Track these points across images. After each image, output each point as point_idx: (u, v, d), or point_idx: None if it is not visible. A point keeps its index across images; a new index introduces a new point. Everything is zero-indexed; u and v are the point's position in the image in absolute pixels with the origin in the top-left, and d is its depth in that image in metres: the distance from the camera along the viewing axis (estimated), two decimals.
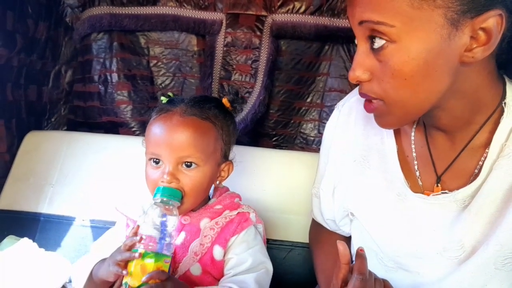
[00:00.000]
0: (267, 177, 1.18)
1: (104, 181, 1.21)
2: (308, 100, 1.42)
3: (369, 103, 0.64)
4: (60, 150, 1.27)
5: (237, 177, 1.02)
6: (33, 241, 1.10)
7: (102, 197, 1.19)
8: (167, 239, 0.70)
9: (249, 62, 1.34)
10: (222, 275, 0.79)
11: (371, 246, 0.77)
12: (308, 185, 0.95)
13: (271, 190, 1.16)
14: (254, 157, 1.21)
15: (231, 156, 0.88)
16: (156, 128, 0.78)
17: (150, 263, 0.66)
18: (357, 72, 0.60)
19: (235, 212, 0.82)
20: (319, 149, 0.89)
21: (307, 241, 1.01)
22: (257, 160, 1.20)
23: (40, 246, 1.06)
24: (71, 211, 1.19)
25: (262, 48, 1.31)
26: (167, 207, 0.73)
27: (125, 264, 0.68)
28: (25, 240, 0.98)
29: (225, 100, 0.87)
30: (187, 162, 0.76)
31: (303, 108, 1.42)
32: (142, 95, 1.41)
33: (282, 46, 1.38)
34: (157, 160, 0.77)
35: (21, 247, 0.93)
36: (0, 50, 1.16)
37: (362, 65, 0.60)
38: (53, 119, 1.44)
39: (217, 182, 0.85)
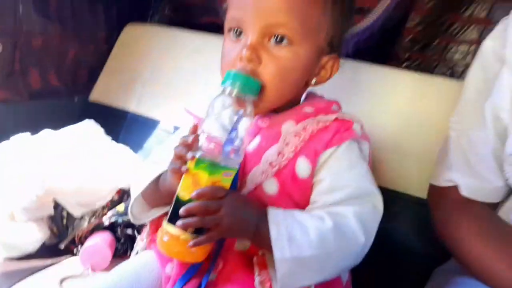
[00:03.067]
0: (388, 105, 0.88)
1: (196, 86, 1.06)
2: (468, 12, 1.01)
3: None
4: (157, 46, 1.16)
5: (347, 98, 0.77)
6: (117, 139, 1.04)
7: (190, 104, 1.06)
8: (236, 143, 0.51)
9: None
10: (306, 200, 0.57)
11: None
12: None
13: (391, 124, 0.86)
14: (374, 77, 0.91)
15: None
16: None
17: (203, 175, 0.49)
18: None
19: (332, 117, 0.58)
20: None
21: None
22: (377, 81, 0.91)
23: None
24: (157, 113, 1.10)
25: None
26: (239, 100, 0.52)
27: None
28: (89, 121, 0.89)
29: None
30: (278, 34, 0.54)
31: (457, 24, 1.03)
32: None
33: None
34: (238, 30, 0.56)
35: (84, 127, 0.84)
36: None
37: None
38: (156, 17, 1.34)
39: (314, 81, 0.60)
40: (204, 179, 0.49)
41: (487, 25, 1.01)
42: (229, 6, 0.58)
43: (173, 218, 0.49)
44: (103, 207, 0.80)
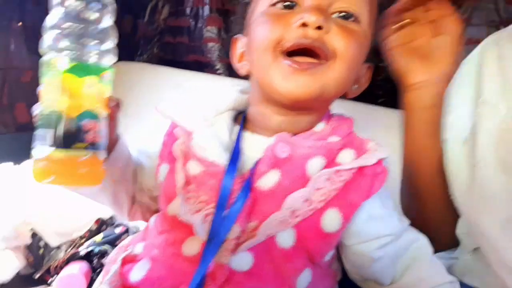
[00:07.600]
0: None
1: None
2: None
3: None
4: (142, 83, 1.21)
5: None
6: None
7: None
8: None
9: None
10: (323, 252, 0.47)
11: None
12: None
13: None
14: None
15: None
16: None
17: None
18: None
19: (373, 159, 0.46)
20: None
21: None
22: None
23: None
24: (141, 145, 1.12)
25: None
26: None
27: None
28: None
29: None
30: (345, 10, 0.46)
31: None
32: (232, 34, 1.25)
33: None
34: (289, 3, 0.47)
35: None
36: None
37: None
38: (145, 56, 1.39)
39: (355, 87, 0.52)
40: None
41: None
42: None
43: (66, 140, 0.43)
44: (81, 237, 0.80)
